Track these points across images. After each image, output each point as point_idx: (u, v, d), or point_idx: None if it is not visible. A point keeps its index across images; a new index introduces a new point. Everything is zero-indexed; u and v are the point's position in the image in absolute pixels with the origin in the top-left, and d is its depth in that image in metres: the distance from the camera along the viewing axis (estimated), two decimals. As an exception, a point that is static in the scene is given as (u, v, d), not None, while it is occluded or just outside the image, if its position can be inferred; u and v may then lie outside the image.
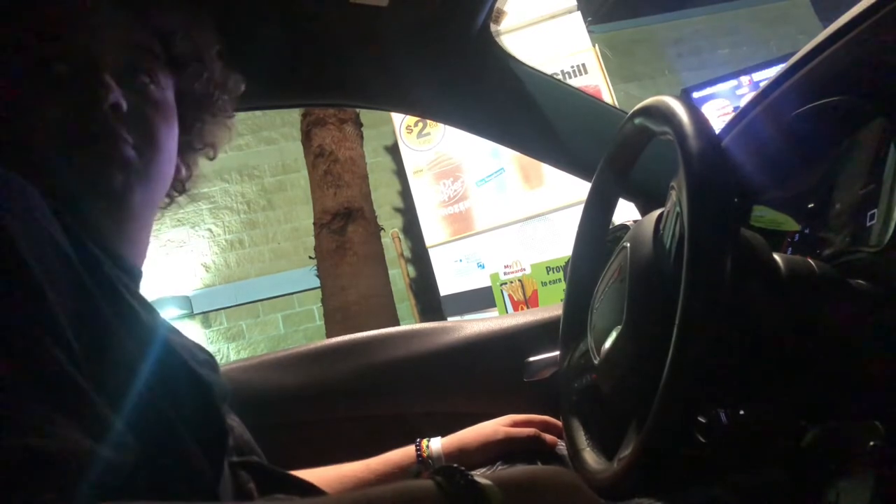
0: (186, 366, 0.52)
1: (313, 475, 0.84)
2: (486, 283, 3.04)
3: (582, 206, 0.84)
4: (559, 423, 0.86)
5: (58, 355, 0.37)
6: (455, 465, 0.41)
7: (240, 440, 0.70)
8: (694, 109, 0.55)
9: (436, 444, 0.91)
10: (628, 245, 0.64)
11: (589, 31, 3.33)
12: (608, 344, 0.64)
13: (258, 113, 4.23)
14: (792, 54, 0.73)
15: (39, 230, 0.41)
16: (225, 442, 0.56)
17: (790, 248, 0.75)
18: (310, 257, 3.27)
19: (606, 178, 0.80)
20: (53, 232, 0.43)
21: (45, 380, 0.36)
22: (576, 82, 3.13)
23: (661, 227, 0.62)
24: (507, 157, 3.17)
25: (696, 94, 3.71)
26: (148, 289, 0.57)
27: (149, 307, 0.55)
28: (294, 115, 3.82)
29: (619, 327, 0.61)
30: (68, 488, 0.32)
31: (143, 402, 0.44)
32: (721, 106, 3.66)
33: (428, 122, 3.29)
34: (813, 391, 0.59)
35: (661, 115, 0.58)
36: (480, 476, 0.41)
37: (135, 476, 0.39)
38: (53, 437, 0.33)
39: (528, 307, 2.82)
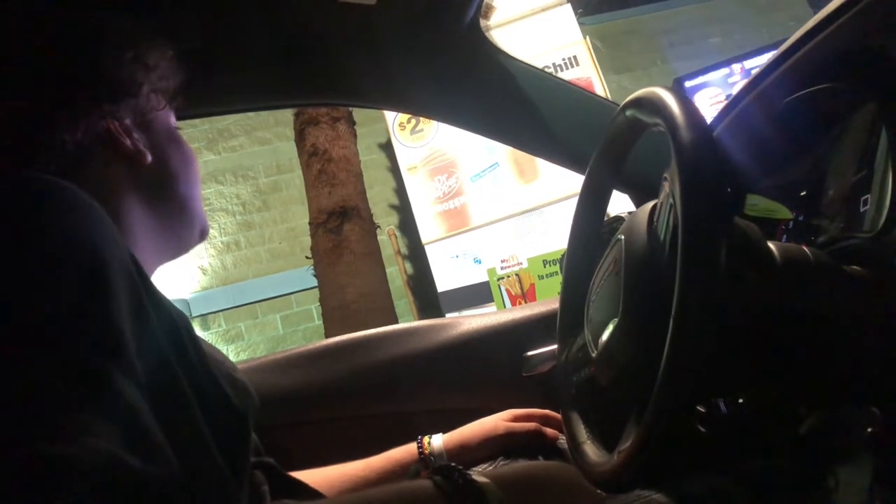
0: (224, 391, 0.54)
1: (316, 475, 0.84)
2: (484, 278, 3.04)
3: (576, 199, 0.84)
4: (559, 416, 0.87)
5: (115, 371, 0.38)
6: (453, 464, 0.41)
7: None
8: (685, 100, 0.55)
9: (437, 441, 0.91)
10: (623, 237, 0.64)
11: (579, 23, 3.32)
12: (605, 336, 0.64)
13: (251, 114, 4.22)
14: (783, 41, 0.73)
15: (120, 253, 0.44)
16: (248, 464, 0.58)
17: (784, 236, 0.75)
18: (307, 257, 3.26)
19: (600, 170, 0.80)
20: (128, 258, 0.45)
21: (100, 393, 0.37)
22: (567, 75, 3.13)
23: (656, 218, 0.62)
24: (501, 152, 3.17)
25: (688, 84, 3.69)
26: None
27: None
28: (287, 115, 3.80)
29: (616, 320, 0.61)
30: (82, 498, 0.32)
31: (186, 424, 0.46)
32: (714, 94, 3.65)
33: (421, 118, 3.28)
34: (810, 378, 0.59)
35: (653, 106, 0.58)
36: (480, 473, 0.41)
37: (171, 492, 0.39)
38: (83, 445, 0.34)
39: (525, 301, 2.82)
